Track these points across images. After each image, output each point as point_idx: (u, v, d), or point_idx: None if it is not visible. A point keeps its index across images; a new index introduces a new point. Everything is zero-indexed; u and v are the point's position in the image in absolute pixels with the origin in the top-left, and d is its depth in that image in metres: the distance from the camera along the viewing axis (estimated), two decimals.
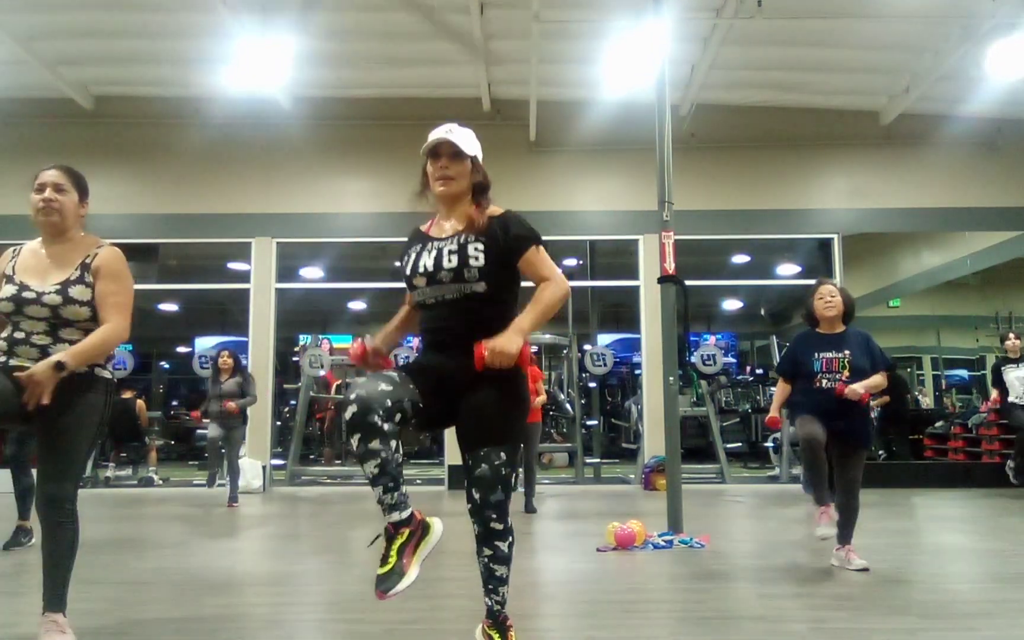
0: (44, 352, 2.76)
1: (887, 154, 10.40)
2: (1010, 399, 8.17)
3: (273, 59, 8.47)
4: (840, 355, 4.28)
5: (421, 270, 2.56)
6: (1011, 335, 8.45)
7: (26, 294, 2.78)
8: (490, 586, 2.57)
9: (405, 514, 2.37)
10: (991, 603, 3.65)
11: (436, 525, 2.47)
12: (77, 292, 2.81)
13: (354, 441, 2.30)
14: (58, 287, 2.79)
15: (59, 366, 2.65)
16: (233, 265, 11.16)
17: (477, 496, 2.48)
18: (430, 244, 2.59)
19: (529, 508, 7.07)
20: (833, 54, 9.24)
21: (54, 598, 2.81)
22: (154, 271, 11.45)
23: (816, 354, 4.33)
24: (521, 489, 7.23)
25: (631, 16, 7.59)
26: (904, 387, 11.70)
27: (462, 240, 2.53)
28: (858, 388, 4.17)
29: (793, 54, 9.30)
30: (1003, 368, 8.29)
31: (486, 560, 2.54)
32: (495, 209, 2.62)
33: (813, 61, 9.41)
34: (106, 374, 2.89)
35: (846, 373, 4.23)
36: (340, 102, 10.21)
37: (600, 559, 4.79)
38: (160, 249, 11.12)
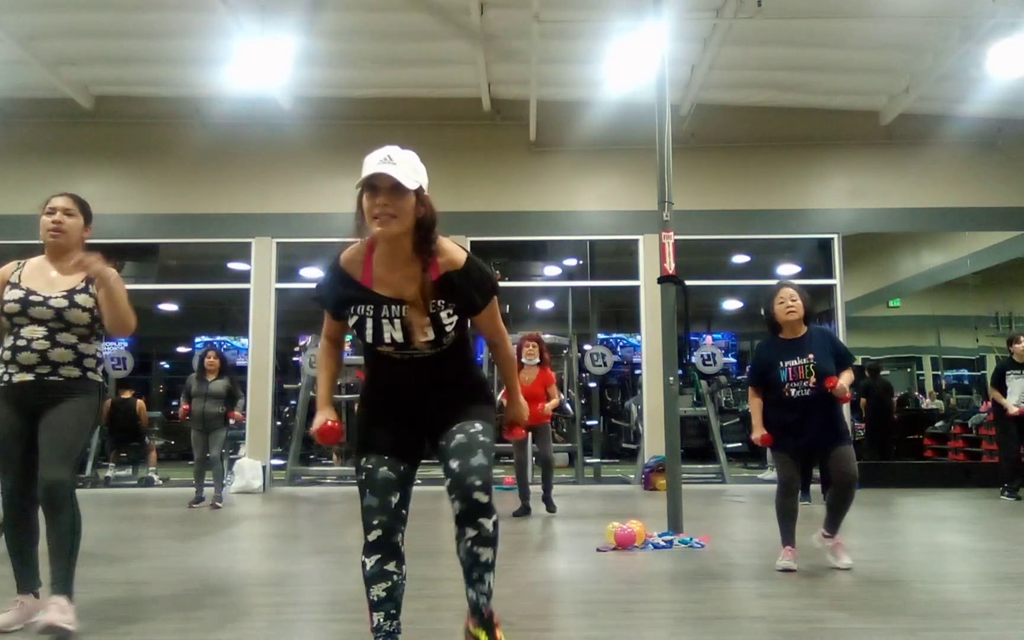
0: (43, 355, 3.07)
1: (887, 154, 10.40)
2: (1012, 405, 8.03)
3: (273, 59, 8.47)
4: (804, 361, 4.19)
5: (388, 340, 2.34)
6: (1022, 338, 8.25)
7: (32, 298, 3.12)
8: (474, 574, 2.31)
9: None
10: (991, 603, 3.65)
11: None
12: (81, 299, 3.16)
13: (371, 560, 2.31)
14: (64, 293, 3.15)
15: (111, 269, 3.08)
16: (233, 265, 11.17)
17: (455, 464, 2.26)
18: (386, 308, 2.33)
19: (549, 507, 6.97)
20: (833, 54, 9.24)
21: (58, 582, 3.00)
22: (154, 271, 11.46)
23: (781, 363, 4.24)
24: (514, 490, 7.20)
25: (631, 16, 7.60)
26: (886, 389, 11.63)
27: (431, 310, 2.31)
28: (846, 385, 4.13)
29: (793, 54, 9.31)
30: (1007, 372, 8.15)
31: (469, 543, 2.28)
32: (451, 254, 2.34)
33: (813, 61, 9.41)
34: (98, 378, 3.23)
35: (812, 379, 4.16)
36: (340, 102, 10.20)
37: (600, 559, 4.78)
38: (160, 249, 11.14)
